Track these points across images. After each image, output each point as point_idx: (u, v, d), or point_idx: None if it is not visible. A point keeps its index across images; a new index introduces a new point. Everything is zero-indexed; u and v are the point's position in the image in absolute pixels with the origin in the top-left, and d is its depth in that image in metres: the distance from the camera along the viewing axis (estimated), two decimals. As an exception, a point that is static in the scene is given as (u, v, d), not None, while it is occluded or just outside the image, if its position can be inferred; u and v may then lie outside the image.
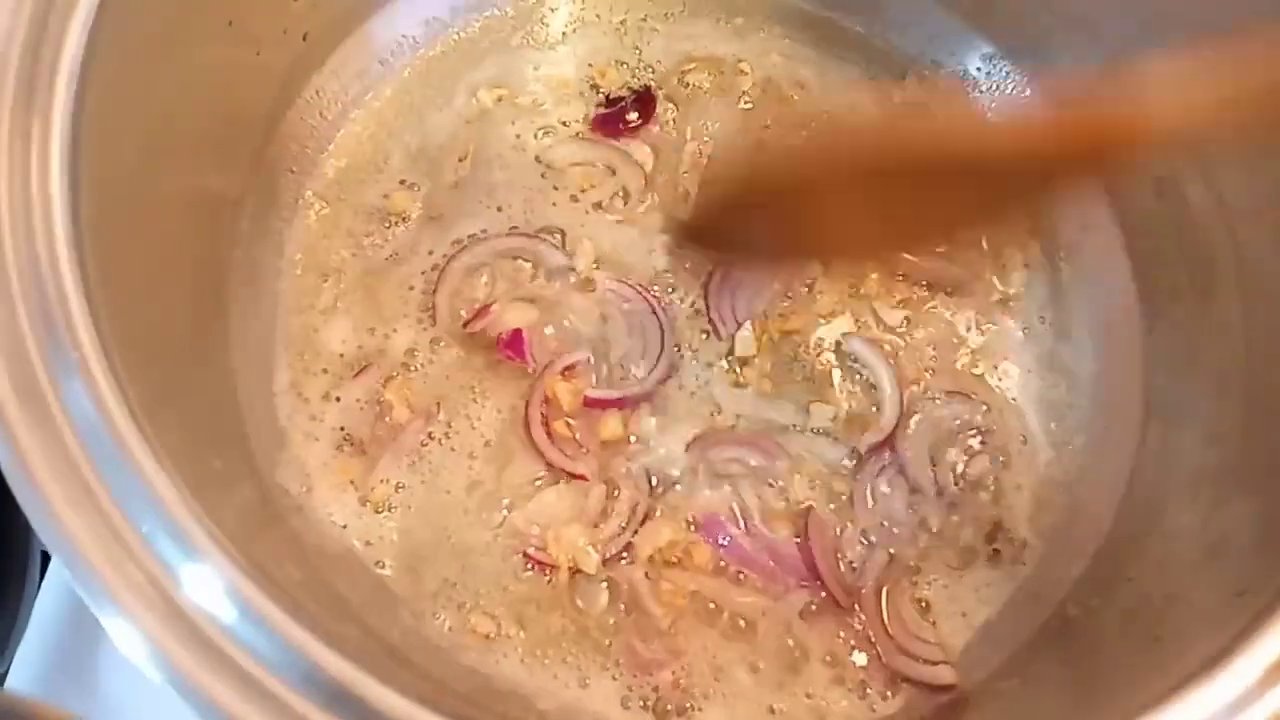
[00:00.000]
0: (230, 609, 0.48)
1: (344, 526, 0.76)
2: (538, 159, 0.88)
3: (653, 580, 0.75)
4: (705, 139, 0.89)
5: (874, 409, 0.80)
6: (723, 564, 0.76)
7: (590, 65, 0.92)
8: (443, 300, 0.82)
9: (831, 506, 0.78)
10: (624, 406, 0.79)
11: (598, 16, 0.94)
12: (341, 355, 0.81)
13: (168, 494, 0.49)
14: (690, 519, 0.77)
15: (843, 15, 0.94)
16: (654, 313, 0.82)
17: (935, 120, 0.64)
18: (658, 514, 0.77)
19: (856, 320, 0.83)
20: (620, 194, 0.87)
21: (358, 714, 0.47)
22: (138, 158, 0.63)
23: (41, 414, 0.49)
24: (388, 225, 0.85)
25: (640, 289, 0.83)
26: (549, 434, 0.78)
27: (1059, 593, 0.74)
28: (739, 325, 0.82)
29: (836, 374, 0.82)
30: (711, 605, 0.75)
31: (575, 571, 0.75)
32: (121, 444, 0.49)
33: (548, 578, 0.75)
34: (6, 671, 0.76)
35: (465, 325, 0.81)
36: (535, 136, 0.89)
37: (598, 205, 0.86)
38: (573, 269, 0.83)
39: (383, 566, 0.75)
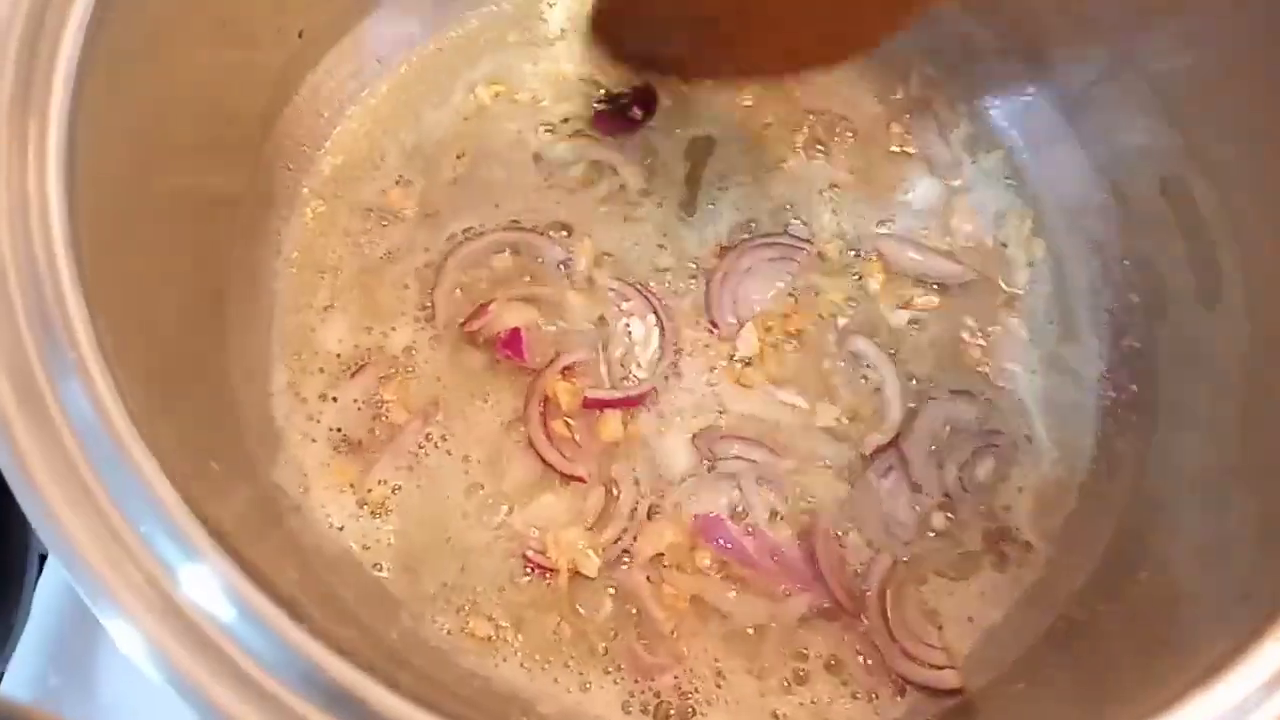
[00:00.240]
0: (229, 609, 0.47)
1: (341, 529, 0.75)
2: (537, 156, 0.87)
3: (654, 583, 0.74)
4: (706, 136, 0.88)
5: (878, 410, 0.80)
6: (725, 566, 0.75)
7: (589, 62, 0.91)
8: (441, 298, 0.82)
9: (835, 508, 0.77)
10: (624, 406, 0.79)
11: (597, 13, 0.94)
12: (338, 355, 0.80)
13: (166, 494, 0.49)
14: (691, 520, 0.76)
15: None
16: (654, 312, 0.82)
17: None
18: (659, 516, 0.76)
19: (861, 320, 0.83)
20: (621, 191, 0.86)
21: (357, 715, 0.47)
22: (135, 156, 0.62)
23: (40, 414, 0.49)
24: (385, 223, 0.85)
25: (640, 288, 0.82)
26: (548, 434, 0.78)
27: (1064, 596, 0.74)
28: (740, 325, 0.82)
29: (841, 374, 0.81)
30: (714, 608, 0.74)
31: (575, 574, 0.74)
32: (119, 444, 0.49)
33: (547, 581, 0.75)
34: (3, 672, 0.75)
35: (464, 324, 0.80)
36: (535, 133, 0.88)
37: (598, 203, 0.86)
38: (573, 267, 0.83)
39: (380, 569, 0.75)
